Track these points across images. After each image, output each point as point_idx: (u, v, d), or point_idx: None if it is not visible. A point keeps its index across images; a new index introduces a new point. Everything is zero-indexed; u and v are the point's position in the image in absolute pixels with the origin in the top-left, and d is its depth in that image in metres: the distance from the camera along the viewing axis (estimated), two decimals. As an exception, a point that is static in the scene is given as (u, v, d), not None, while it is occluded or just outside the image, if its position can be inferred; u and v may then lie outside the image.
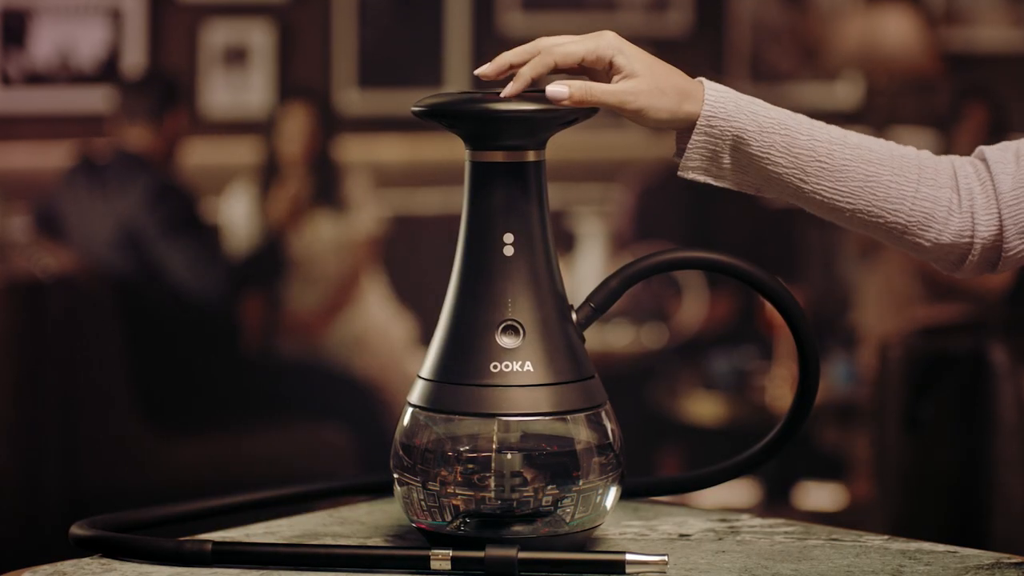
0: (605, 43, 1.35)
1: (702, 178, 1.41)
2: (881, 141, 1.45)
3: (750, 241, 5.74)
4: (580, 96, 1.33)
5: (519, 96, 1.31)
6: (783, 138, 1.39)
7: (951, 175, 1.45)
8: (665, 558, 1.25)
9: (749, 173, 1.40)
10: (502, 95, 1.32)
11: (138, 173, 4.53)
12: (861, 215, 1.42)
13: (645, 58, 1.36)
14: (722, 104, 1.38)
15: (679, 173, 1.41)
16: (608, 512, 1.33)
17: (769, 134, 1.38)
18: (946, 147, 5.47)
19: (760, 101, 1.41)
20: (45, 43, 5.77)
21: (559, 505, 1.28)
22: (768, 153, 1.38)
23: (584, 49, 1.34)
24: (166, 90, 4.77)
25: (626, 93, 1.34)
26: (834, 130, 1.43)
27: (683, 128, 1.39)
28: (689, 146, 1.38)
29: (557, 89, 1.33)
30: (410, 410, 1.32)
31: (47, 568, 1.28)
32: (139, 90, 4.76)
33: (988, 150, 1.46)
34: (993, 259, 1.45)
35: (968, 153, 1.50)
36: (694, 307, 5.58)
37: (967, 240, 1.43)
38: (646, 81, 1.34)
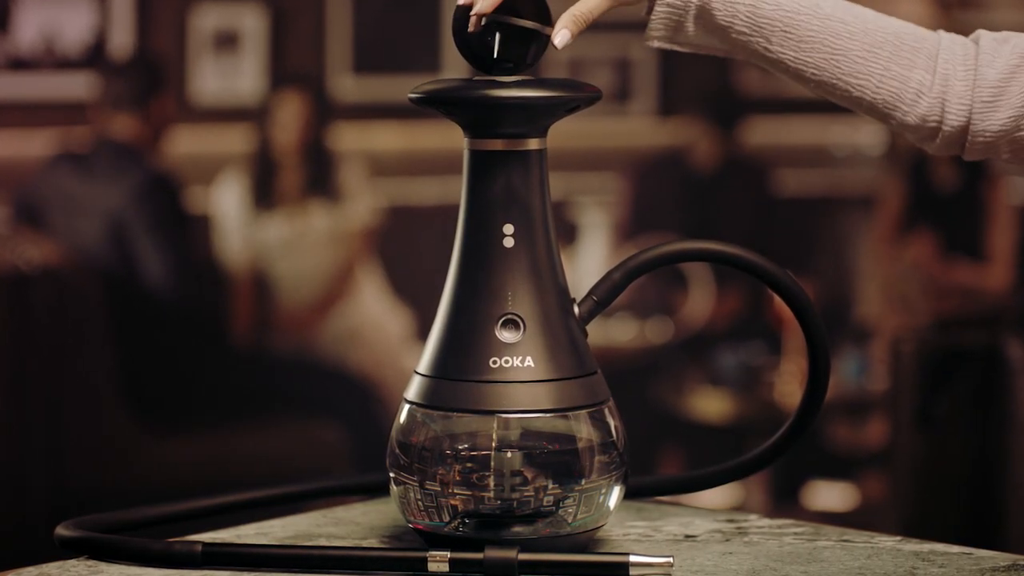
0: None
1: (667, 46, 1.45)
2: (861, 11, 1.46)
3: (757, 232, 5.74)
4: (573, 26, 1.37)
5: (521, 83, 1.31)
6: (748, 8, 1.41)
7: (931, 55, 1.45)
8: (670, 560, 1.25)
9: (713, 38, 1.44)
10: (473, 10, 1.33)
11: (127, 164, 4.53)
12: (827, 87, 1.44)
13: None
14: None
15: (645, 41, 1.45)
16: (611, 512, 1.32)
17: (733, 4, 1.41)
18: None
19: None
20: (29, 28, 5.77)
21: (561, 505, 1.28)
22: (731, 22, 1.42)
23: None
24: (151, 75, 4.77)
25: None
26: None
27: None
28: (652, 16, 1.42)
29: (560, 35, 1.36)
30: (407, 407, 1.32)
31: (31, 570, 1.28)
32: (123, 75, 4.75)
33: (985, 35, 1.46)
34: (960, 142, 1.46)
35: None
36: (700, 301, 5.58)
37: (934, 125, 1.44)
38: None
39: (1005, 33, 1.46)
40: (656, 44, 1.44)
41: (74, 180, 4.55)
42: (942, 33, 1.47)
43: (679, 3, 1.41)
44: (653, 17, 1.42)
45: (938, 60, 1.44)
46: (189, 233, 4.68)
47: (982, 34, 1.46)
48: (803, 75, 1.44)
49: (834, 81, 1.43)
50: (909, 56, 1.44)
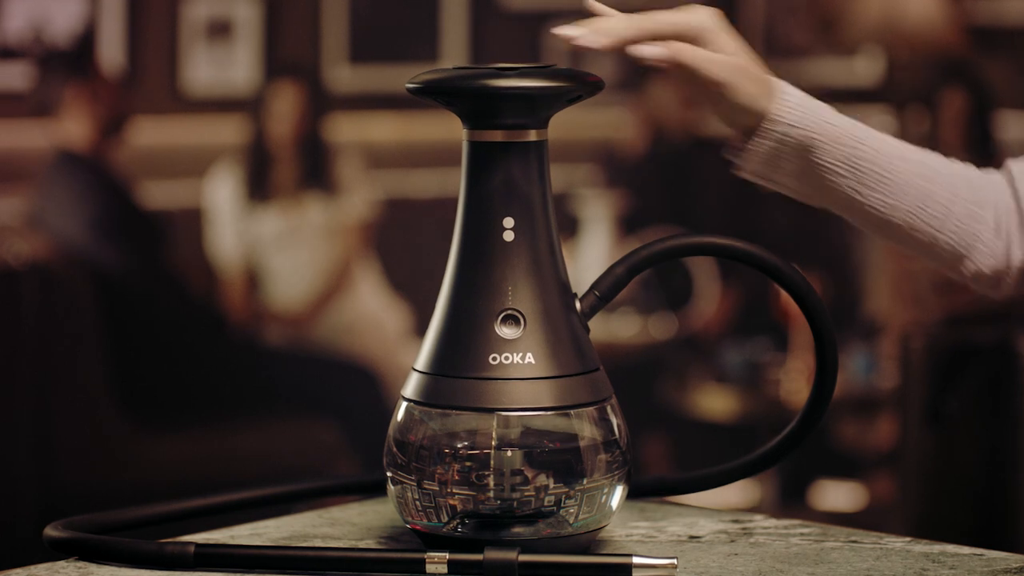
0: (705, 16, 1.38)
1: (757, 179, 1.45)
2: (932, 154, 1.50)
3: (760, 226, 5.74)
4: (672, 57, 1.36)
5: (521, 73, 1.31)
6: (850, 150, 1.43)
7: (991, 190, 1.51)
8: (674, 561, 1.25)
9: (804, 182, 1.45)
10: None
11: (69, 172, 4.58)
12: (914, 232, 1.48)
13: (738, 40, 1.41)
14: (799, 111, 1.42)
15: (734, 171, 1.45)
16: (614, 512, 1.32)
17: (838, 146, 1.42)
18: (931, 128, 5.46)
19: (826, 106, 1.45)
20: (17, 16, 5.76)
21: (562, 505, 1.28)
22: (832, 164, 1.42)
23: (684, 19, 1.37)
24: (67, 62, 4.76)
25: (719, 63, 1.37)
26: (891, 140, 1.48)
27: (749, 124, 1.42)
28: (752, 147, 1.42)
29: (651, 49, 1.36)
30: (404, 404, 1.32)
31: (20, 572, 1.28)
32: (53, 68, 4.76)
33: (1012, 163, 1.51)
34: None
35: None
36: (705, 296, 5.58)
37: (1004, 264, 1.48)
38: (739, 58, 1.39)
39: None
40: (746, 176, 1.45)
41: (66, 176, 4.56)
42: (991, 171, 1.53)
43: (786, 139, 1.41)
44: (753, 149, 1.42)
45: (998, 195, 1.49)
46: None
47: (1009, 162, 1.52)
48: (891, 222, 1.45)
49: (922, 226, 1.47)
50: (981, 195, 1.48)
